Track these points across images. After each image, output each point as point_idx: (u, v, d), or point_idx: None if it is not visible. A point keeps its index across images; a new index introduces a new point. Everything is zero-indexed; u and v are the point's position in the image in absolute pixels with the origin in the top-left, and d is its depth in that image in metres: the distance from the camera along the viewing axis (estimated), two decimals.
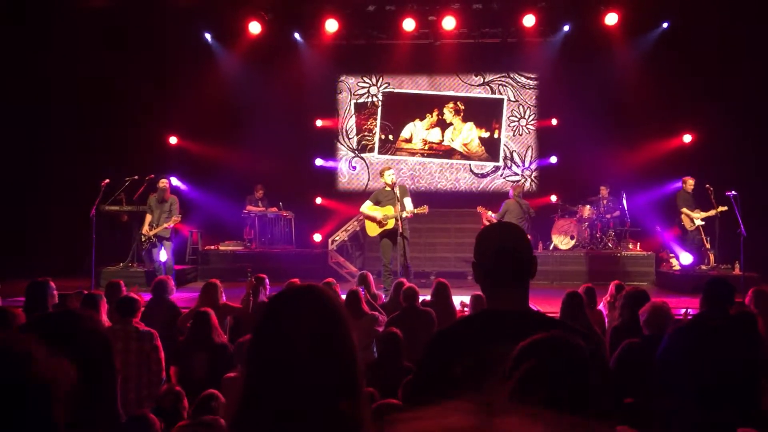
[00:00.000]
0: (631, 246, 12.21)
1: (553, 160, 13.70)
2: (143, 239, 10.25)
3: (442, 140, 13.85)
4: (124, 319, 4.89)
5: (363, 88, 14.18)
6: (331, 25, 12.80)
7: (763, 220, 10.37)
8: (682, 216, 11.16)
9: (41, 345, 1.19)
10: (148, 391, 4.77)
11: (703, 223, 10.95)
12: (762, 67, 11.50)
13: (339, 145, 14.27)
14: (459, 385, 1.70)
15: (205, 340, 5.10)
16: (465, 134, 13.78)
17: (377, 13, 12.93)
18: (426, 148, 13.96)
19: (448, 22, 12.60)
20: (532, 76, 13.88)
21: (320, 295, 1.49)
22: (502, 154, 13.73)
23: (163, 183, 10.30)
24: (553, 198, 13.26)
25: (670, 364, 1.54)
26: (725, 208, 10.27)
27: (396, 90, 14.10)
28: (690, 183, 11.11)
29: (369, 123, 14.16)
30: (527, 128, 13.78)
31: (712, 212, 10.74)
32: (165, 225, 10.09)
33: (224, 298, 6.98)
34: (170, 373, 5.18)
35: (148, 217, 10.23)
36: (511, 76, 13.79)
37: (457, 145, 13.81)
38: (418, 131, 14.00)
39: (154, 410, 4.24)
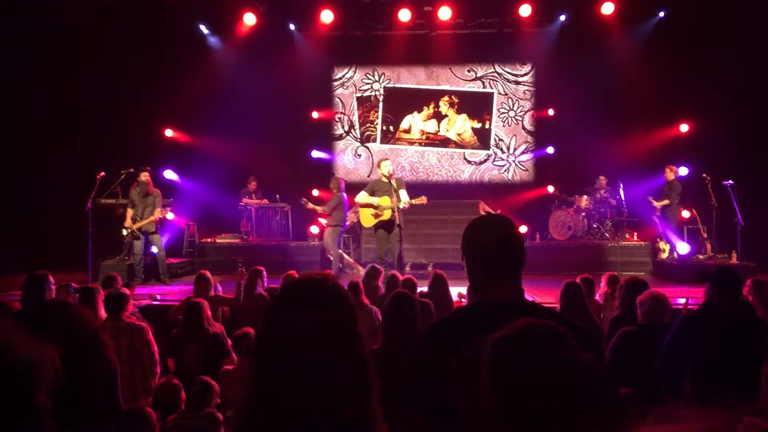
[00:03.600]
0: (627, 236, 12.22)
1: (550, 150, 13.72)
2: (126, 233, 10.21)
3: (438, 130, 14.38)
4: (114, 315, 4.86)
5: (366, 83, 14.45)
6: (327, 16, 12.76)
7: (760, 209, 10.37)
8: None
9: (24, 332, 1.18)
10: (143, 385, 4.75)
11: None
12: (759, 56, 11.48)
13: (347, 136, 14.47)
14: (456, 377, 1.70)
15: (197, 330, 5.09)
16: (459, 125, 14.32)
17: (372, 4, 12.89)
18: (423, 138, 14.36)
19: (444, 13, 12.57)
20: (521, 72, 14.12)
21: (328, 289, 1.42)
22: (492, 143, 14.21)
23: (144, 176, 10.14)
24: (550, 188, 13.27)
25: (680, 349, 1.53)
26: (666, 202, 10.96)
27: (396, 85, 14.33)
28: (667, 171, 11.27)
29: (371, 115, 14.44)
30: (515, 119, 14.18)
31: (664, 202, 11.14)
32: (151, 219, 10.08)
33: (220, 289, 6.99)
34: (168, 365, 5.18)
35: (130, 212, 10.15)
36: (500, 72, 14.13)
37: (452, 135, 14.34)
38: (416, 122, 14.36)
39: (152, 403, 4.25)
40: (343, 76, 14.42)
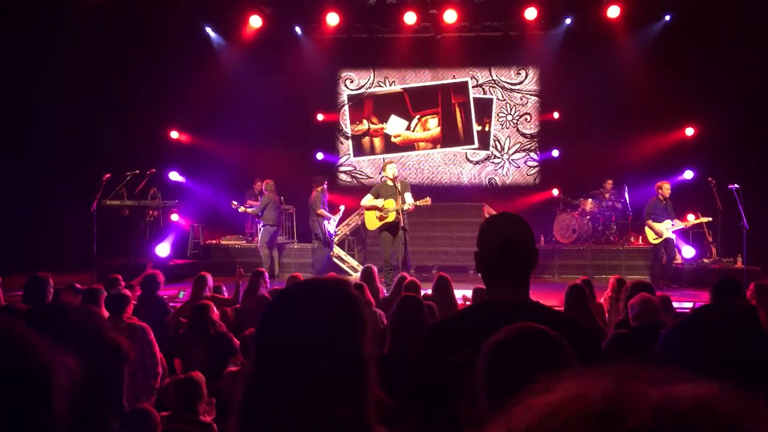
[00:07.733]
0: (632, 239, 12.19)
1: (555, 153, 13.71)
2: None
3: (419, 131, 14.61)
4: (115, 316, 4.88)
5: (377, 86, 14.48)
6: (332, 19, 12.78)
7: (765, 213, 10.32)
8: (645, 228, 10.55)
9: (35, 334, 1.14)
10: (144, 386, 4.75)
11: (672, 236, 10.23)
12: (765, 59, 11.44)
13: (352, 138, 14.51)
14: (457, 374, 1.69)
15: (204, 332, 5.12)
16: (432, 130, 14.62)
17: (378, 7, 12.90)
18: (428, 139, 14.43)
19: (450, 16, 12.58)
20: (515, 80, 14.29)
21: (336, 291, 1.40)
22: (491, 144, 14.47)
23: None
24: (555, 192, 13.25)
25: (673, 357, 1.52)
26: (709, 219, 10.23)
27: (403, 86, 14.36)
28: (666, 188, 10.30)
29: (378, 118, 14.43)
30: (512, 122, 14.45)
31: (692, 221, 10.23)
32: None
33: (225, 291, 7.02)
34: (174, 365, 5.20)
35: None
36: (496, 79, 14.36)
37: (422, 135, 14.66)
38: (421, 125, 14.40)
39: (156, 403, 4.25)
40: (363, 85, 14.46)
